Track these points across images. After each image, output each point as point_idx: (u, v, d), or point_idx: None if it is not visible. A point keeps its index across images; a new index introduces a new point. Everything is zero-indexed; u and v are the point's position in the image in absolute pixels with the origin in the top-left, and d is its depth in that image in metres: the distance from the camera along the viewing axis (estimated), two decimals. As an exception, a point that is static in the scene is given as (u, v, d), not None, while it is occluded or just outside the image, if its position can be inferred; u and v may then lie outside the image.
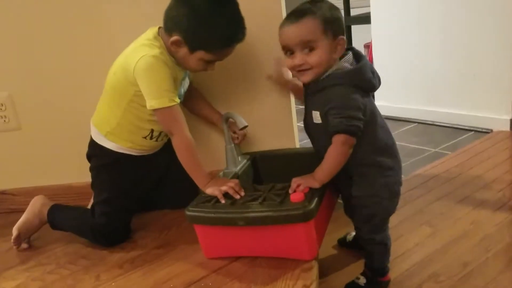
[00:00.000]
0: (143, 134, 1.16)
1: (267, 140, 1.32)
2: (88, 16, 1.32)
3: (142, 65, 1.02)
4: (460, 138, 1.96)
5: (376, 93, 0.97)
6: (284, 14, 1.24)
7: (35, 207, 1.23)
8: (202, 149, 1.10)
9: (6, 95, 1.41)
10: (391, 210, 0.99)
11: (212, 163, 1.10)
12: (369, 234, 1.00)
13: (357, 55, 0.97)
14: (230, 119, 1.18)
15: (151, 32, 1.09)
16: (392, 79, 2.22)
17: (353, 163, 0.94)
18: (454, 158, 1.73)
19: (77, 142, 1.32)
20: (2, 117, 1.43)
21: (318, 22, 0.90)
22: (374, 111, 0.95)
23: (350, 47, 0.99)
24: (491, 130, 1.97)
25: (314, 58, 0.91)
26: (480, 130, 2.00)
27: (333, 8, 0.94)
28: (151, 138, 1.17)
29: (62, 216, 1.23)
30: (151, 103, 1.03)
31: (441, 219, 1.28)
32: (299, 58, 0.92)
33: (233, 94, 1.33)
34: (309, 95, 0.97)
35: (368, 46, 2.77)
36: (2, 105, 1.42)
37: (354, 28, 2.79)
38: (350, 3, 2.78)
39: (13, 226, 1.21)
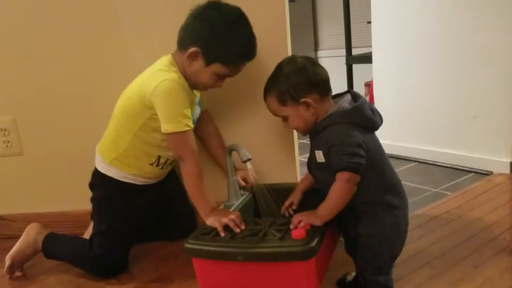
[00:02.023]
0: (150, 160, 1.16)
1: (269, 173, 1.32)
2: (96, 42, 1.34)
3: (162, 88, 1.03)
4: (461, 179, 1.96)
5: (377, 131, 0.98)
6: (289, 50, 1.27)
7: (30, 236, 1.21)
8: (205, 179, 1.10)
9: (11, 119, 1.42)
10: (397, 251, 0.98)
11: (214, 195, 1.10)
12: (373, 276, 0.97)
13: (355, 96, 0.99)
14: (234, 152, 1.18)
15: (166, 59, 1.10)
16: (393, 117, 2.24)
17: (361, 201, 0.93)
18: (455, 199, 1.72)
19: (78, 170, 1.31)
20: (5, 142, 1.44)
21: (274, 100, 0.99)
22: (379, 148, 0.96)
23: (348, 90, 1.02)
24: (491, 172, 1.97)
25: (291, 125, 1.00)
26: (480, 171, 2.00)
27: (296, 71, 0.96)
28: (157, 165, 1.17)
29: (58, 246, 1.21)
30: (166, 127, 1.03)
31: (442, 261, 1.26)
32: (283, 124, 1.03)
33: (236, 126, 1.34)
34: (313, 136, 0.99)
35: (369, 85, 2.81)
36: (5, 130, 1.43)
37: (355, 67, 2.85)
38: (352, 42, 2.85)
39: (8, 252, 1.19)
